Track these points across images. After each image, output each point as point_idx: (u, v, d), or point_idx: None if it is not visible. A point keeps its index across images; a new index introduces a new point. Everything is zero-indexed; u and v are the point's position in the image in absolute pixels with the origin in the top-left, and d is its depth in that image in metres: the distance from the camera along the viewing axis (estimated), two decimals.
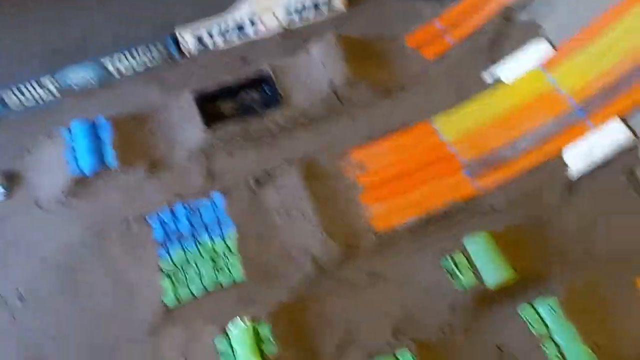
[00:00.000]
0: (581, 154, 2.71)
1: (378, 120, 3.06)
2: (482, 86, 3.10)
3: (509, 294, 2.38)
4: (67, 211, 2.88)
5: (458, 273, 2.38)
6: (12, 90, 3.22)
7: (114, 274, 2.62)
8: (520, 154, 2.81)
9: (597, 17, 2.87)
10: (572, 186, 2.69)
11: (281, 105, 3.08)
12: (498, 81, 3.05)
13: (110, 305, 2.54)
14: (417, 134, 2.99)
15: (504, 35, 3.21)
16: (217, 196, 2.81)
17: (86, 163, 2.91)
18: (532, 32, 3.15)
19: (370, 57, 3.25)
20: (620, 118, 2.73)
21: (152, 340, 2.41)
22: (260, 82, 3.22)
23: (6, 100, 3.18)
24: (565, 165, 2.72)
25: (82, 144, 2.97)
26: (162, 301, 2.49)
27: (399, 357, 2.21)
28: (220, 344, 2.27)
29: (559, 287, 2.37)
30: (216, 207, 2.77)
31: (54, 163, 2.99)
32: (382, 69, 3.23)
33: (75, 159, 2.93)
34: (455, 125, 2.97)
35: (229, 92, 3.22)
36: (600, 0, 2.91)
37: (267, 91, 3.20)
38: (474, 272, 2.36)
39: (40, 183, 2.99)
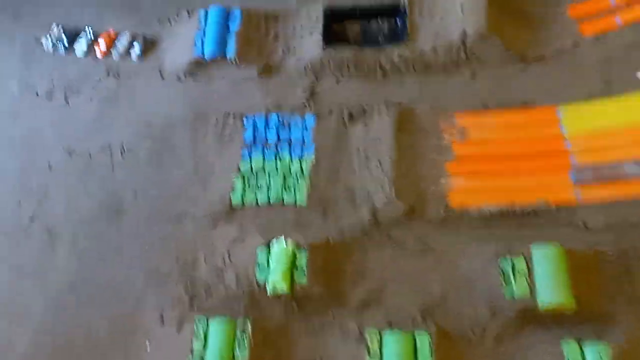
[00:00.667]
0: None
1: (501, 88, 2.74)
2: (633, 86, 2.60)
3: (559, 320, 2.14)
4: (181, 87, 3.09)
5: (512, 279, 2.19)
6: None
7: (198, 157, 2.82)
8: None
9: None
10: None
11: (405, 43, 2.89)
12: None
13: (185, 183, 2.76)
14: (538, 118, 2.64)
15: None
16: (309, 118, 2.81)
17: (208, 48, 3.05)
18: None
19: (518, 15, 2.84)
20: None
21: (209, 227, 2.61)
22: (394, 14, 3.02)
23: None
24: None
25: (211, 30, 3.10)
26: (230, 197, 2.64)
27: (416, 337, 2.15)
28: (260, 255, 2.39)
29: (618, 337, 2.09)
30: (306, 128, 2.79)
31: (185, 41, 3.17)
32: (527, 32, 2.82)
33: (202, 42, 3.09)
34: (582, 121, 2.56)
35: (361, 14, 3.08)
36: None
37: (397, 25, 3.00)
38: (529, 284, 2.15)
39: (168, 55, 3.21)
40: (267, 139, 2.78)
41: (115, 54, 3.29)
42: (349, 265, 2.41)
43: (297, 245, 2.38)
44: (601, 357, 2.00)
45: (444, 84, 2.83)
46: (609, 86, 2.64)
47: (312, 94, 2.90)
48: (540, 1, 2.94)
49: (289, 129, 2.80)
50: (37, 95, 3.18)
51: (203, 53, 3.04)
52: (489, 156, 2.59)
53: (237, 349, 2.21)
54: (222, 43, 3.05)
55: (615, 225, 2.32)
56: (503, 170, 2.54)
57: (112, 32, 3.38)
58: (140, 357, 2.32)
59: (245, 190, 2.63)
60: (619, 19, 2.76)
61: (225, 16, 3.14)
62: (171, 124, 2.96)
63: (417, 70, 2.86)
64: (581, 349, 2.06)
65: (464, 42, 2.78)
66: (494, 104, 2.73)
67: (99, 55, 3.30)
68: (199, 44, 3.07)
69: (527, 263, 2.19)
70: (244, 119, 2.85)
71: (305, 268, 2.32)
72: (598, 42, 2.76)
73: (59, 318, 2.47)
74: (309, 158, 2.69)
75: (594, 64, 2.71)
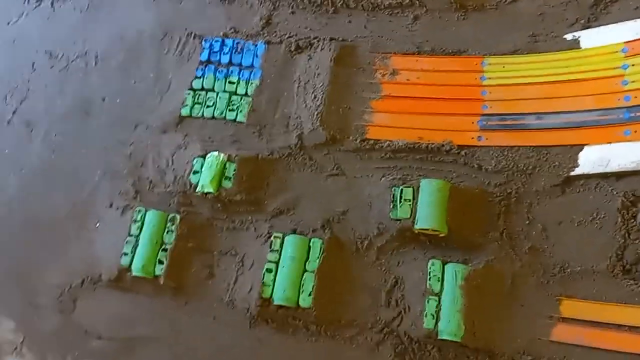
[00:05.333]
0: (596, 160, 2.46)
1: (438, 34, 2.90)
2: (558, 43, 2.74)
3: (433, 243, 2.50)
4: (154, 5, 3.35)
5: (398, 203, 2.54)
6: None
7: (160, 72, 3.13)
8: (542, 129, 2.61)
9: None
10: (567, 184, 2.53)
11: None
12: (575, 44, 2.71)
13: (145, 95, 3.09)
14: (464, 66, 2.84)
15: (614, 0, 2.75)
16: (261, 45, 3.07)
17: None
18: None
19: None
20: None
21: (159, 134, 2.99)
22: None
23: None
24: (576, 159, 2.53)
25: None
26: (180, 110, 3.00)
27: (311, 243, 2.54)
28: (197, 162, 2.77)
29: (479, 263, 2.45)
30: (256, 55, 3.07)
31: None
32: None
33: None
34: (503, 73, 2.76)
35: None
36: None
37: None
38: (411, 209, 2.50)
39: None
40: (220, 61, 3.08)
41: None
42: (272, 180, 2.79)
43: (229, 158, 2.76)
44: (456, 274, 2.38)
45: (387, 25, 3.04)
46: (534, 42, 2.82)
47: (268, 23, 3.15)
48: None
49: (242, 54, 3.08)
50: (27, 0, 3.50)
51: None
52: (411, 97, 2.86)
53: (165, 234, 2.66)
54: None
55: (505, 168, 2.61)
56: (420, 110, 2.81)
57: None
58: (91, 232, 2.80)
59: (194, 105, 2.98)
60: None
61: None
62: (141, 39, 3.27)
63: (365, 9, 3.07)
64: (443, 267, 2.43)
65: None
66: (428, 49, 2.94)
67: None
68: None
69: (414, 192, 2.53)
70: (203, 41, 3.14)
71: (232, 176, 2.71)
72: None
73: (29, 197, 2.95)
74: (255, 82, 3.00)
75: (527, 19, 2.88)
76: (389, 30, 3.03)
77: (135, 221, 2.71)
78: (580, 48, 2.72)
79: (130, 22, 3.35)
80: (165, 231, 2.67)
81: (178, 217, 2.70)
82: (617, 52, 2.60)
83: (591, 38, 2.71)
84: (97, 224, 2.81)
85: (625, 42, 2.59)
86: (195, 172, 2.75)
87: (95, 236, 2.79)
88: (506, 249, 2.49)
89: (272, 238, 2.60)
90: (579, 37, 2.74)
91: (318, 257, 2.51)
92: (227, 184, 2.70)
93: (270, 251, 2.57)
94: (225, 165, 2.73)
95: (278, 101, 2.95)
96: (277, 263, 2.54)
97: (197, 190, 2.70)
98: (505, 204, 2.57)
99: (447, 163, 2.69)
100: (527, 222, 2.53)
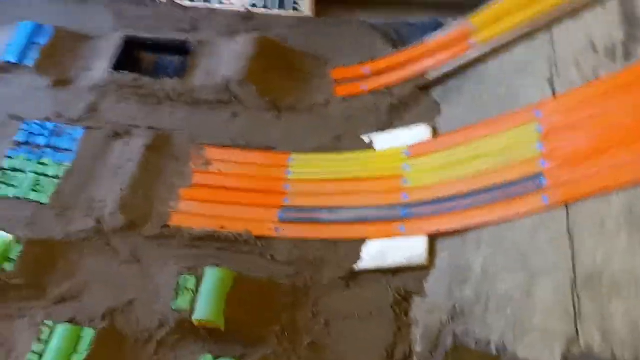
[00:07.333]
0: (375, 255, 2.54)
1: (253, 130, 3.07)
2: (357, 144, 2.94)
3: (216, 337, 2.42)
4: None
5: (180, 293, 2.48)
6: None
7: None
8: (332, 223, 2.70)
9: (474, 123, 2.56)
10: (352, 278, 2.57)
11: (182, 78, 3.23)
12: (371, 145, 2.91)
13: None
14: (272, 160, 2.96)
15: (406, 105, 3.01)
16: (79, 130, 3.09)
17: (12, 54, 3.34)
18: (431, 112, 2.92)
19: (282, 69, 3.21)
20: (429, 238, 2.51)
21: None
22: (184, 51, 3.37)
23: None
24: (360, 254, 2.60)
25: (20, 39, 3.39)
26: None
27: (83, 331, 2.40)
28: None
29: (254, 358, 2.37)
30: (74, 139, 3.07)
31: None
32: (287, 85, 3.18)
33: (10, 48, 3.39)
34: (306, 169, 2.89)
35: (157, 47, 3.43)
36: (494, 106, 2.58)
37: (184, 61, 3.34)
38: (191, 299, 2.44)
39: None
40: (36, 142, 3.04)
41: None
42: (61, 265, 2.66)
43: (16, 239, 2.63)
44: None
45: (207, 118, 3.16)
46: (339, 142, 3.00)
47: (92, 110, 3.18)
48: (310, 60, 3.32)
49: (60, 137, 3.06)
50: None
51: (7, 58, 3.32)
52: (219, 187, 2.91)
53: None
54: (25, 52, 3.34)
55: (296, 260, 2.63)
56: (224, 199, 2.86)
57: None
58: None
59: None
60: (365, 86, 3.15)
61: (37, 30, 3.43)
62: None
63: (187, 103, 3.18)
64: None
65: (227, 85, 3.12)
66: (243, 143, 3.05)
67: None
68: (6, 49, 3.36)
69: (197, 282, 2.47)
70: (24, 124, 3.11)
71: (15, 259, 2.57)
72: (344, 102, 3.14)
73: None
74: (66, 164, 2.96)
75: (335, 121, 3.09)
76: (207, 123, 3.14)
77: None
78: (375, 149, 2.91)
79: None
80: None
81: None
82: (400, 154, 2.80)
83: (383, 140, 2.92)
84: None
85: (407, 146, 2.80)
86: None
87: None
88: (285, 344, 2.43)
89: (41, 327, 2.43)
90: (373, 139, 2.94)
91: (86, 350, 2.35)
92: (8, 267, 2.55)
93: (37, 342, 2.38)
94: (9, 246, 2.59)
95: (87, 185, 2.91)
96: (41, 355, 2.35)
97: None
98: (292, 297, 2.56)
99: (244, 253, 2.69)
100: (312, 316, 2.51)
